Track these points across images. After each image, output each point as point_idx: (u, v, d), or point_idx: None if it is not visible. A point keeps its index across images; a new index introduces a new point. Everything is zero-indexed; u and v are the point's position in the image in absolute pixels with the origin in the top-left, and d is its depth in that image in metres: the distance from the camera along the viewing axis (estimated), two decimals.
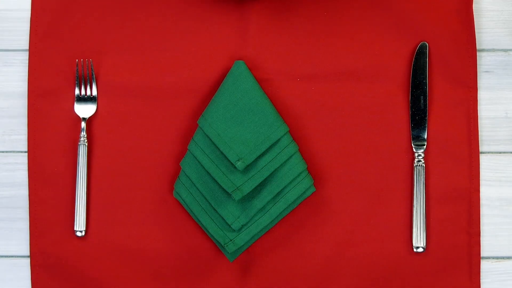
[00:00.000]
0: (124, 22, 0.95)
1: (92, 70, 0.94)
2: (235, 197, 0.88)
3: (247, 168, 0.90)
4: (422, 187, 0.92)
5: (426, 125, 0.94)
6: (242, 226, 0.90)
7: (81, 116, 0.94)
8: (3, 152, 0.95)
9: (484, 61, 0.96)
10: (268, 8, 0.95)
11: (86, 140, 0.93)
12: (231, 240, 0.90)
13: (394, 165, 0.93)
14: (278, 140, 0.90)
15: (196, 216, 0.91)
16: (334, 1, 0.95)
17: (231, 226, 0.90)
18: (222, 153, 0.90)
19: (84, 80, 0.94)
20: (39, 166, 0.93)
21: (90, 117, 0.94)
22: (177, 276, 0.93)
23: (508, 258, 0.94)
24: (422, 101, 0.94)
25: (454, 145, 0.94)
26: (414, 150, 0.93)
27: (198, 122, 0.91)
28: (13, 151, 0.95)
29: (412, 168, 0.93)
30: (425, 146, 0.93)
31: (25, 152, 0.95)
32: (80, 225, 0.92)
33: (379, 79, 0.94)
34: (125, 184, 0.94)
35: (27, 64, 0.95)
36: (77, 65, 0.94)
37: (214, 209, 0.91)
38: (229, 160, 0.90)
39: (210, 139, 0.90)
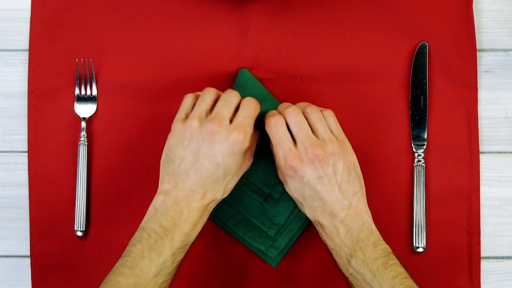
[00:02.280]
0: (124, 22, 0.95)
1: (92, 69, 0.94)
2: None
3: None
4: (422, 187, 0.92)
5: (426, 125, 0.94)
6: (278, 231, 0.91)
7: (81, 115, 0.94)
8: (3, 152, 0.95)
9: (484, 61, 0.96)
10: (268, 8, 0.95)
11: (86, 140, 0.93)
12: (271, 245, 0.90)
13: (394, 165, 0.94)
14: None
15: (232, 230, 0.92)
16: (334, 1, 0.95)
17: (268, 232, 0.91)
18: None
19: (84, 79, 0.94)
20: (39, 166, 0.93)
21: (90, 117, 0.94)
22: (176, 275, 0.93)
23: (508, 258, 0.94)
24: (422, 101, 0.94)
25: (454, 145, 0.94)
26: (414, 150, 0.93)
27: None
28: (13, 151, 0.95)
29: (412, 168, 0.93)
30: (425, 146, 0.93)
31: (25, 152, 0.95)
32: (80, 225, 0.92)
33: (379, 79, 0.94)
34: (125, 184, 0.94)
35: (27, 64, 0.95)
36: (77, 65, 0.94)
37: (248, 219, 0.91)
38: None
39: None
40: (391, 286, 0.78)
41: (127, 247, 0.79)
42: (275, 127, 0.83)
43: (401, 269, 0.80)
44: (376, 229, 0.83)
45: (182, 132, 0.81)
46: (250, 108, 0.82)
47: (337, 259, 0.83)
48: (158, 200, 0.81)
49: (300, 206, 0.85)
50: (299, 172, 0.81)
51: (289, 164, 0.81)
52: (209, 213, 0.83)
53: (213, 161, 0.79)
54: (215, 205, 0.83)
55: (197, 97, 0.84)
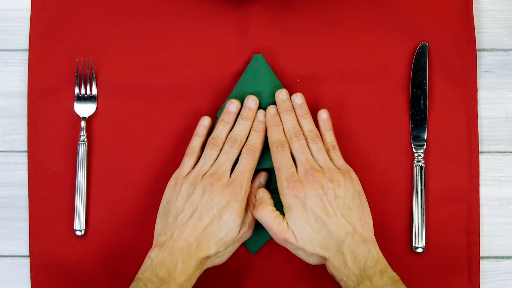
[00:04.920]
0: (124, 22, 0.95)
1: (92, 69, 0.94)
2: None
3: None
4: (421, 187, 0.92)
5: (426, 125, 0.94)
6: None
7: (81, 115, 0.94)
8: (3, 152, 0.95)
9: (484, 61, 0.96)
10: (268, 8, 0.95)
11: (86, 140, 0.93)
12: None
13: (394, 165, 0.93)
14: None
15: None
16: (334, 1, 0.95)
17: None
18: None
19: (84, 79, 0.94)
20: (39, 165, 0.93)
21: (90, 116, 0.94)
22: None
23: (508, 258, 0.94)
24: (422, 101, 0.94)
25: (454, 145, 0.94)
26: (414, 150, 0.93)
27: (218, 115, 0.91)
28: (13, 151, 0.95)
29: (412, 168, 0.93)
30: (425, 146, 0.93)
31: (25, 152, 0.95)
32: (79, 224, 0.92)
33: (379, 79, 0.94)
34: (125, 183, 0.94)
35: (27, 64, 0.95)
36: (77, 64, 0.94)
37: None
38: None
39: None
40: None
41: None
42: (281, 155, 0.87)
43: None
44: (383, 257, 0.83)
45: (183, 186, 0.86)
46: (248, 162, 0.87)
47: None
48: (154, 251, 0.83)
49: (309, 249, 0.84)
50: (300, 193, 0.83)
51: (291, 185, 0.84)
52: (204, 269, 0.85)
53: (210, 212, 0.84)
54: (210, 265, 0.86)
55: (197, 157, 0.89)
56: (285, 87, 0.94)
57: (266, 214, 0.85)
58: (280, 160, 0.87)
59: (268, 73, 0.92)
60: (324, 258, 0.84)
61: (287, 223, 0.84)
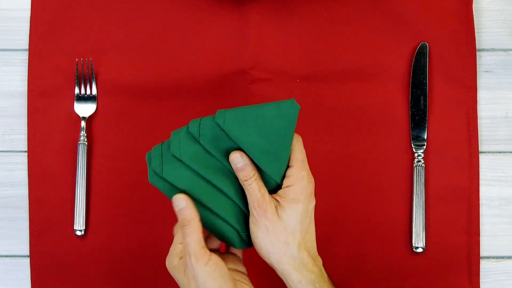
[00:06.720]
0: (124, 22, 0.95)
1: (92, 69, 0.94)
2: None
3: None
4: (421, 187, 0.92)
5: (426, 125, 0.94)
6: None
7: (81, 115, 0.94)
8: (3, 152, 0.95)
9: (484, 61, 0.96)
10: (268, 8, 0.95)
11: (86, 140, 0.93)
12: (240, 232, 0.80)
13: (394, 165, 0.94)
14: None
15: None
16: (334, 1, 0.95)
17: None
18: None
19: (84, 79, 0.94)
20: (39, 165, 0.94)
21: (90, 116, 0.94)
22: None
23: (508, 258, 0.94)
24: (422, 101, 0.94)
25: (454, 145, 0.94)
26: (414, 150, 0.93)
27: (217, 112, 0.78)
28: (13, 151, 0.95)
29: (412, 168, 0.93)
30: (425, 146, 0.93)
31: (25, 152, 0.95)
32: (80, 225, 0.92)
33: (379, 79, 0.94)
34: (124, 183, 0.94)
35: (27, 64, 0.95)
36: (77, 64, 0.94)
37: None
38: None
39: (223, 130, 0.77)
40: None
41: None
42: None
43: None
44: None
45: None
46: None
47: None
48: None
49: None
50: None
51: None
52: None
53: None
54: None
55: None
56: (285, 87, 0.94)
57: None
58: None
59: (289, 128, 0.75)
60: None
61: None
